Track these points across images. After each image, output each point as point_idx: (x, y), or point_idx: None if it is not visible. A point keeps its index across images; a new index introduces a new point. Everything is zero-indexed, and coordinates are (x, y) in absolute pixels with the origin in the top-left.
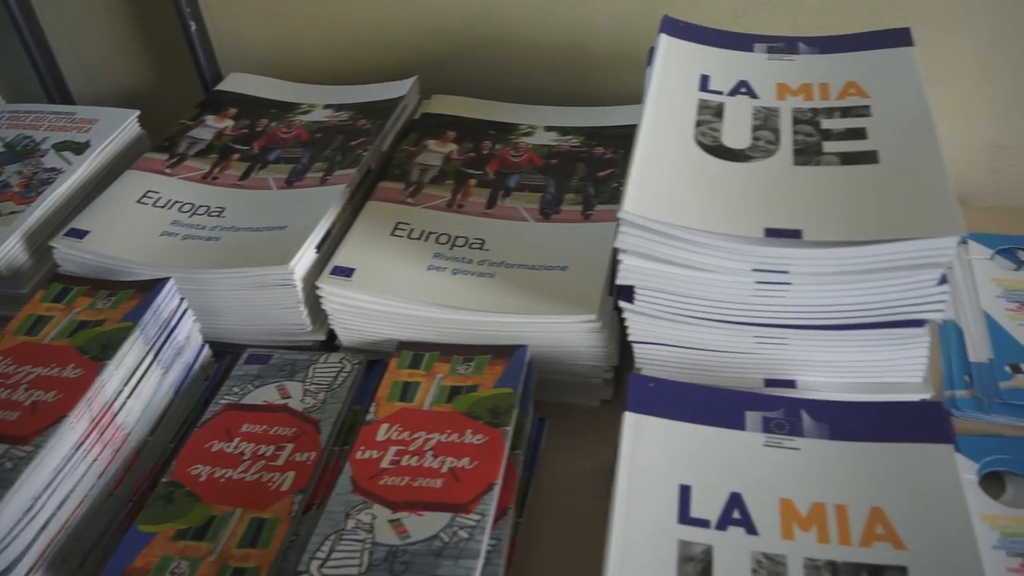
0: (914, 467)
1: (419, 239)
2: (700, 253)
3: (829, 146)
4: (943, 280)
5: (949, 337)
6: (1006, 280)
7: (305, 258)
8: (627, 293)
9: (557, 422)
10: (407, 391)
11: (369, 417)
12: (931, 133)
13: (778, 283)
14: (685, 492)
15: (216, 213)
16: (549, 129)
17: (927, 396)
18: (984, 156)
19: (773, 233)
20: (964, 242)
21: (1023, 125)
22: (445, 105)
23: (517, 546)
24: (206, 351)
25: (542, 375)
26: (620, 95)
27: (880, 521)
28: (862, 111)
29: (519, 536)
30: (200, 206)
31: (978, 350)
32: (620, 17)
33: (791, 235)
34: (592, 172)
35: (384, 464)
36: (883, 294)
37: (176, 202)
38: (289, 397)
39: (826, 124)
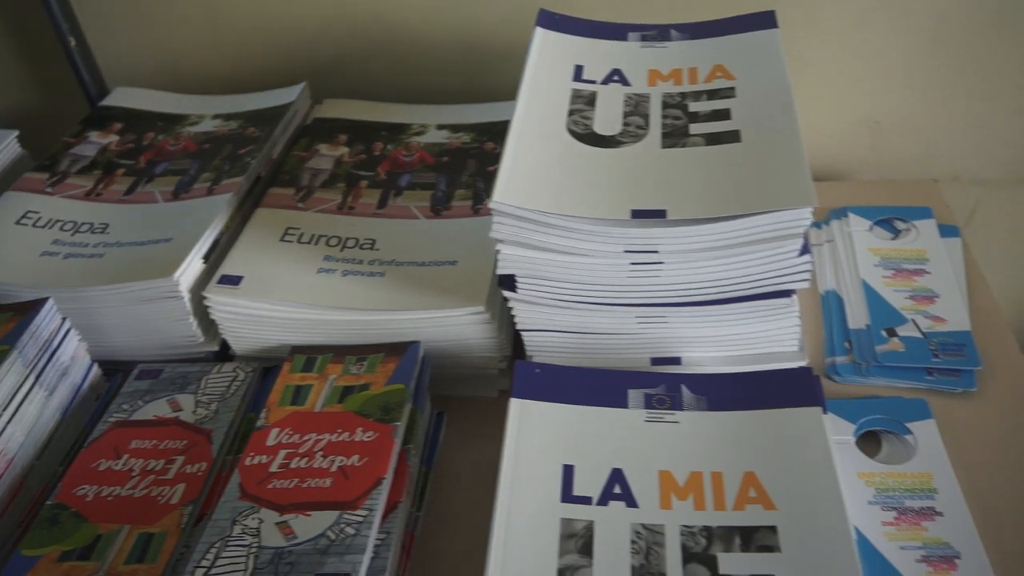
0: (785, 431)
1: (309, 243)
2: (572, 238)
3: (695, 128)
4: (804, 251)
5: (830, 306)
6: (883, 249)
7: (191, 269)
8: (509, 282)
9: (456, 415)
10: (299, 395)
11: (260, 423)
12: (790, 110)
13: (650, 263)
14: (568, 472)
15: (100, 230)
16: (441, 127)
17: (803, 364)
18: (861, 132)
19: (639, 214)
20: (845, 215)
21: (896, 100)
22: (336, 109)
23: (415, 539)
24: (95, 370)
25: (438, 370)
26: (510, 90)
27: (753, 485)
28: (727, 93)
29: (418, 529)
30: (83, 224)
31: (857, 317)
32: (505, 13)
33: (656, 215)
34: (482, 167)
35: (273, 468)
36: (749, 268)
37: (57, 221)
38: (180, 410)
39: (693, 107)
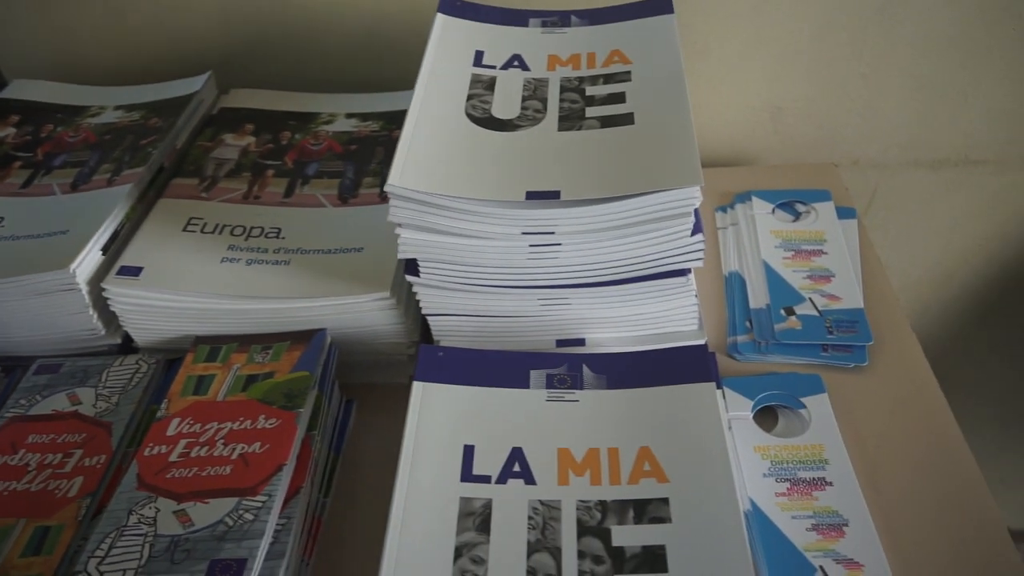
0: (680, 406)
1: (212, 233)
2: (469, 220)
3: (591, 111)
4: (696, 230)
5: (733, 287)
6: (784, 231)
7: (89, 260)
8: (412, 267)
9: (367, 403)
10: (201, 384)
11: (160, 414)
12: (682, 94)
13: (548, 244)
14: (469, 452)
15: None
16: (350, 116)
17: (702, 342)
18: (764, 118)
19: (534, 196)
20: (749, 199)
21: (796, 86)
22: (243, 99)
23: (322, 524)
24: None
25: (348, 357)
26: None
27: (647, 459)
28: (623, 77)
29: (325, 514)
30: None
31: (758, 297)
32: (412, 1)
33: (550, 196)
34: (391, 155)
35: (172, 458)
36: (645, 248)
37: None
38: (80, 403)
39: (590, 91)
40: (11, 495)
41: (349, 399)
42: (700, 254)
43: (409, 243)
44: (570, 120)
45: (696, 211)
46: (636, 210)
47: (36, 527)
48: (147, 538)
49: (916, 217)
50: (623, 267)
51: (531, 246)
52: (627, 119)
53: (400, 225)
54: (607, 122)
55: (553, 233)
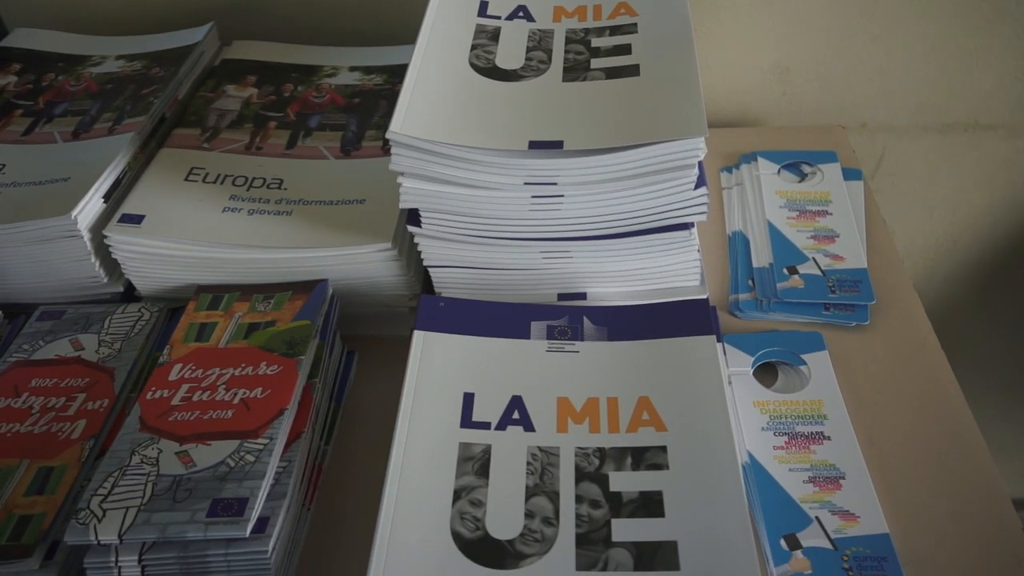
0: (680, 358)
1: (214, 183)
2: (471, 170)
3: (597, 62)
4: (700, 183)
5: (737, 247)
6: (789, 191)
7: (91, 208)
8: (414, 218)
9: (368, 355)
10: (203, 331)
11: (162, 359)
12: (689, 46)
13: (551, 196)
14: (469, 399)
15: None
16: (353, 69)
17: (703, 298)
18: (772, 79)
19: (537, 145)
20: (754, 160)
21: (806, 47)
22: (246, 51)
23: (323, 471)
24: None
25: (350, 309)
26: None
27: (646, 408)
28: (629, 29)
29: (326, 462)
30: None
31: (761, 256)
32: None
33: (553, 146)
34: (394, 108)
35: (175, 402)
36: (648, 201)
37: None
38: (82, 349)
39: (596, 42)
40: (14, 437)
41: (351, 351)
42: (704, 208)
43: (411, 193)
44: (575, 71)
45: (700, 164)
46: (639, 161)
47: (39, 468)
48: (150, 477)
49: (923, 182)
50: (626, 220)
51: (533, 197)
52: (632, 71)
53: (402, 174)
54: (612, 73)
55: (556, 184)
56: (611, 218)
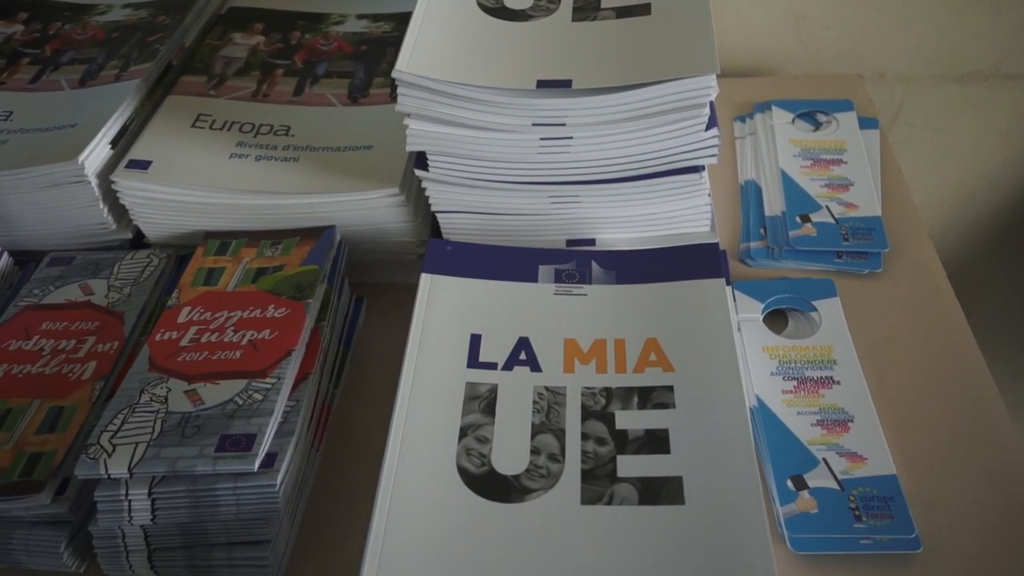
0: (688, 301)
1: (221, 129)
2: (479, 110)
3: (607, 1)
4: (711, 124)
5: (749, 195)
6: (803, 140)
7: (98, 153)
8: (421, 161)
9: (377, 302)
10: (211, 276)
11: (171, 303)
12: None
13: (559, 138)
14: (476, 340)
15: (3, 117)
16: (361, 17)
17: (713, 242)
18: (789, 27)
19: (545, 84)
20: (768, 109)
21: None
22: None
23: (331, 413)
24: (5, 258)
25: (358, 256)
26: None
27: (654, 350)
28: None
29: (334, 404)
30: None
31: (773, 204)
32: None
33: (562, 85)
34: None
35: (183, 343)
36: (658, 142)
37: None
38: (92, 294)
39: None
40: (26, 377)
41: (359, 297)
42: (715, 150)
43: (418, 135)
44: (584, 11)
45: (711, 104)
46: (649, 100)
47: (50, 407)
48: (159, 415)
49: (941, 134)
50: (635, 163)
51: (542, 139)
52: (643, 9)
53: (409, 115)
54: (623, 12)
55: (564, 125)
56: (620, 161)
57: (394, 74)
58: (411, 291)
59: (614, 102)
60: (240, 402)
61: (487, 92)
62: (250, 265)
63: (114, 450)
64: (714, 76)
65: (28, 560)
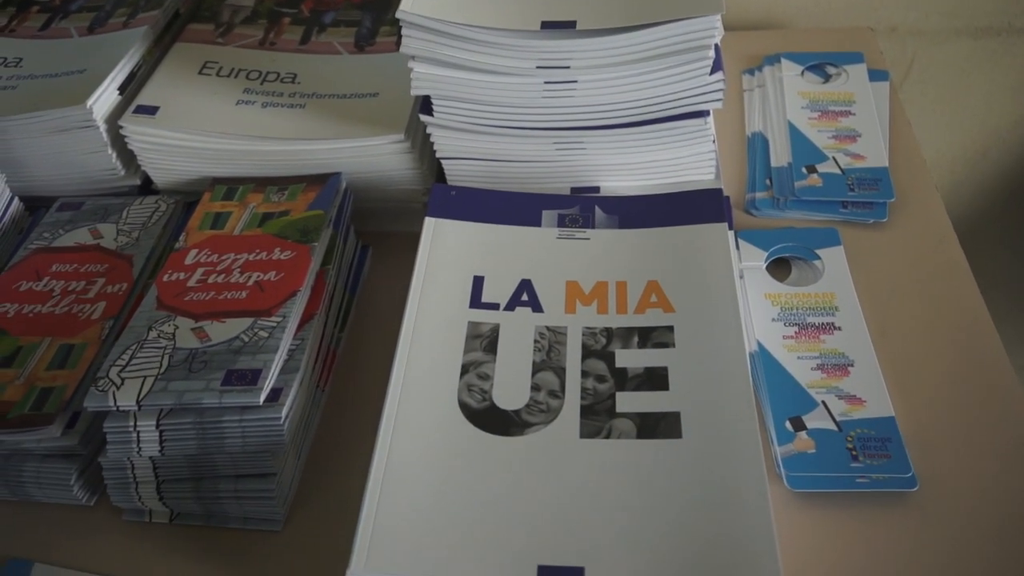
0: (690, 244)
1: (228, 76)
2: (483, 52)
3: None
4: (716, 68)
5: (755, 147)
6: (811, 92)
7: (106, 99)
8: (427, 106)
9: (382, 250)
10: (218, 220)
11: (178, 245)
12: None
13: (564, 81)
14: (478, 282)
15: (13, 64)
16: None
17: (717, 187)
18: None
19: (549, 25)
20: (778, 61)
21: None
22: None
23: (337, 356)
24: (16, 203)
25: (364, 204)
26: None
27: (655, 291)
28: None
29: (340, 348)
30: None
31: (780, 155)
32: None
33: (566, 26)
34: None
35: (191, 283)
36: (663, 86)
37: None
38: (101, 238)
39: None
40: (36, 317)
41: (365, 245)
42: (720, 95)
43: (423, 78)
44: None
45: (716, 47)
46: (654, 41)
47: (61, 345)
48: (166, 350)
49: (953, 91)
50: (640, 108)
51: (546, 83)
52: None
53: (413, 58)
54: None
55: (569, 67)
56: (625, 105)
57: (398, 15)
58: (416, 240)
59: (618, 43)
60: (246, 339)
61: (491, 33)
62: (256, 210)
63: (123, 383)
64: (719, 17)
65: (39, 493)
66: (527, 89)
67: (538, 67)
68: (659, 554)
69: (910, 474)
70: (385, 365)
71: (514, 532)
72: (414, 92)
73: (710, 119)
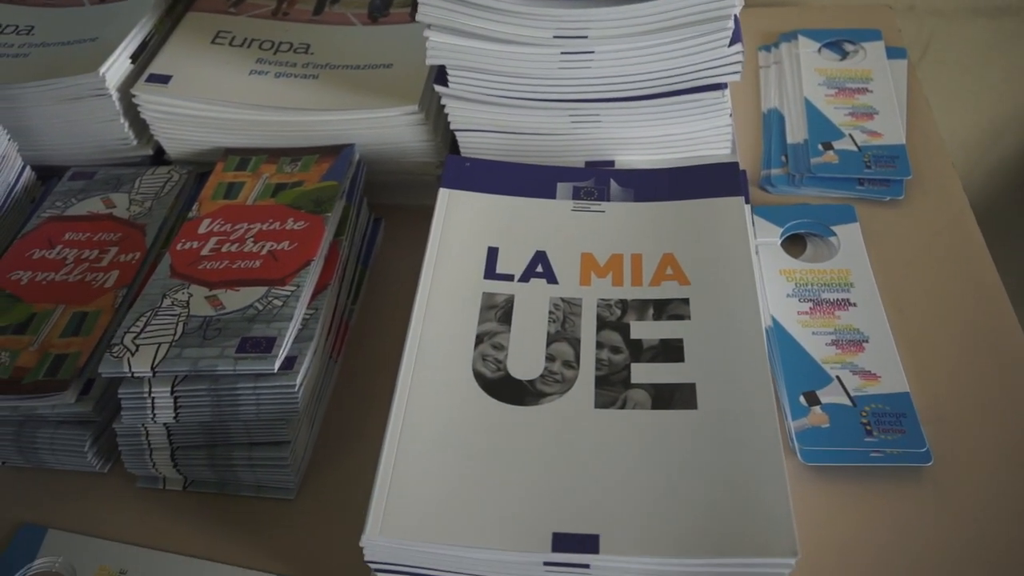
0: (707, 218)
1: (241, 46)
2: (500, 21)
3: None
4: (735, 40)
5: (771, 124)
6: (829, 69)
7: (118, 67)
8: (441, 77)
9: (395, 223)
10: (231, 190)
11: (191, 214)
12: None
13: (581, 52)
14: (493, 253)
15: (24, 32)
16: None
17: (733, 161)
18: None
19: None
20: (795, 38)
21: None
22: None
23: (349, 328)
24: (28, 172)
25: (377, 176)
26: None
27: (671, 264)
28: None
29: (353, 319)
30: (7, 25)
31: (796, 132)
32: None
33: None
34: None
35: (204, 252)
36: (680, 58)
37: None
38: (114, 207)
39: None
40: (49, 284)
41: (378, 218)
42: (738, 67)
43: (438, 47)
44: None
45: (736, 18)
46: (673, 10)
47: (74, 312)
48: (180, 318)
49: (970, 72)
50: (657, 80)
51: (563, 53)
52: None
53: (429, 26)
54: None
55: (586, 37)
56: (643, 77)
57: None
58: (429, 213)
59: (637, 12)
60: (260, 307)
61: (508, 1)
62: (269, 180)
63: (137, 349)
64: None
65: (53, 459)
66: (544, 59)
67: (555, 36)
68: (674, 523)
69: (924, 449)
70: (397, 337)
71: (529, 500)
72: (429, 62)
73: (727, 91)
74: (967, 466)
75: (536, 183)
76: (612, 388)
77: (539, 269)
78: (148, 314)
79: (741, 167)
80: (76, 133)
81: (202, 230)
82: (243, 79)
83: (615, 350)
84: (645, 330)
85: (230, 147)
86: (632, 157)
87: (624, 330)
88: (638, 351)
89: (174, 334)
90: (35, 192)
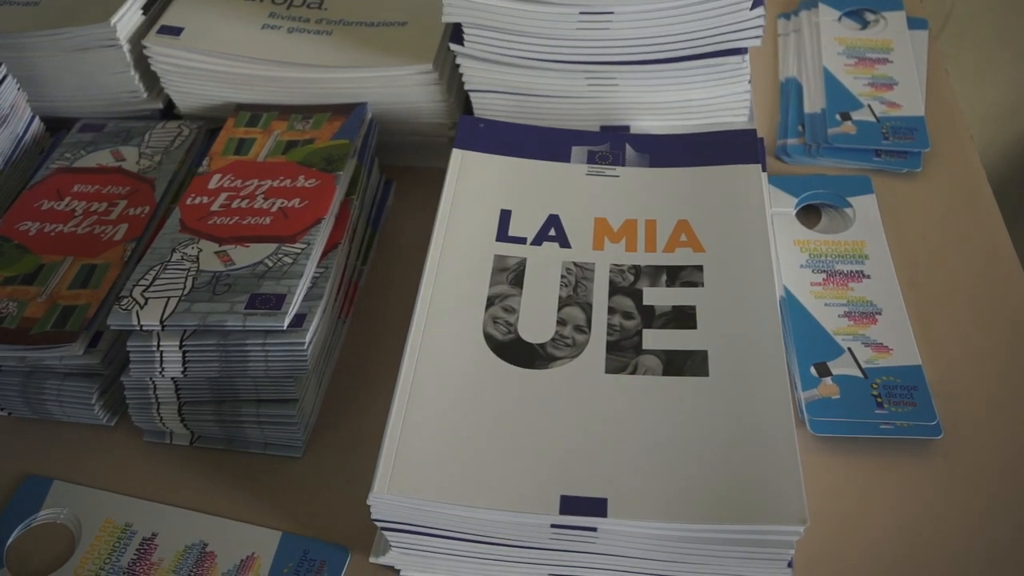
0: (723, 185)
1: (253, 0)
2: None
3: None
4: (756, 3)
5: (789, 92)
6: (848, 38)
7: (130, 17)
8: (457, 35)
9: (406, 185)
10: (242, 146)
11: (201, 169)
12: None
13: (600, 12)
14: (505, 215)
15: None
16: None
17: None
18: None
19: None
20: (815, 6)
21: None
22: None
23: (359, 289)
24: (37, 123)
25: (389, 137)
26: None
27: (685, 231)
28: None
29: (362, 281)
30: None
31: (813, 102)
32: None
33: None
34: None
35: (214, 208)
36: (701, 20)
37: None
38: (123, 160)
39: None
40: (58, 236)
41: (389, 180)
42: (759, 31)
43: (455, 4)
44: None
45: None
46: None
47: (83, 264)
48: (190, 272)
49: (989, 45)
50: (676, 43)
51: (582, 14)
52: None
53: None
54: None
55: None
56: (662, 40)
57: None
58: (440, 176)
59: None
60: (270, 264)
61: None
62: (281, 137)
63: (146, 303)
64: None
65: (60, 411)
66: (562, 19)
67: None
68: (683, 489)
69: (935, 422)
70: (406, 299)
71: (537, 462)
72: (445, 19)
73: (747, 57)
74: (977, 440)
75: (551, 146)
76: (623, 353)
77: (552, 233)
78: (157, 268)
79: (758, 131)
80: (86, 85)
81: (212, 185)
82: (256, 33)
83: (627, 315)
84: (658, 296)
85: (241, 103)
86: (648, 122)
87: (636, 296)
88: (650, 317)
89: (183, 288)
90: (44, 143)
